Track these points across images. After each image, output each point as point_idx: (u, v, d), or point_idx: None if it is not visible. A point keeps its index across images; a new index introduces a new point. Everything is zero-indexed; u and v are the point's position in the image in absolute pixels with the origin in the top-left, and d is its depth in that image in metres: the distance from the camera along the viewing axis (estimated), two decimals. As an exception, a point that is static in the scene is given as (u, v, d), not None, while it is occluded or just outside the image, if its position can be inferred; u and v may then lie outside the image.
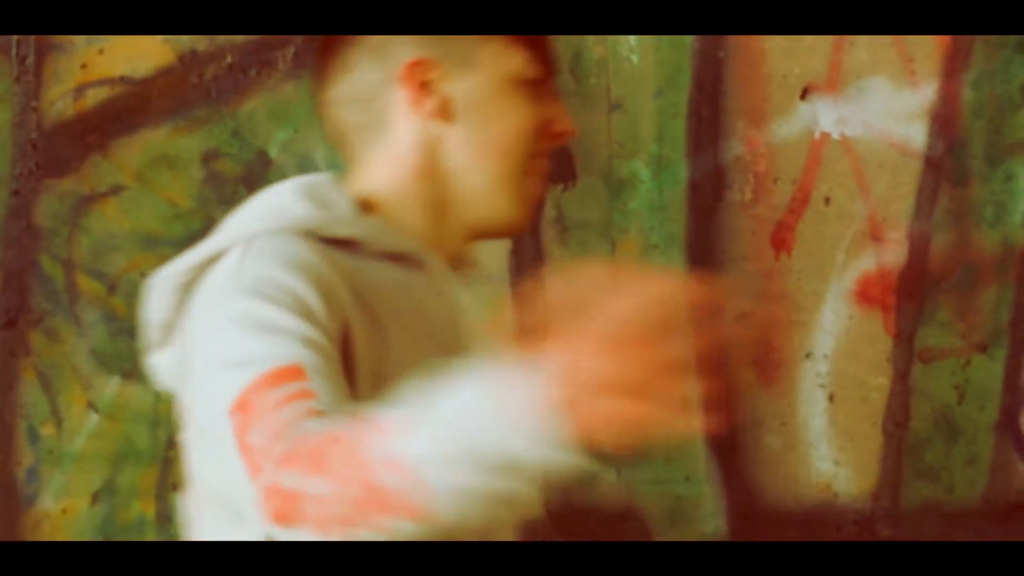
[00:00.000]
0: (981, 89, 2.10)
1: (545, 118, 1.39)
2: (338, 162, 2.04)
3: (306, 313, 1.22)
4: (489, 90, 1.37)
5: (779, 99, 2.09)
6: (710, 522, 2.14)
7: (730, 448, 2.14)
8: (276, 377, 1.17)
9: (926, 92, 2.10)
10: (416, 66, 1.36)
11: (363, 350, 1.28)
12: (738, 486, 2.15)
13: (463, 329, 1.39)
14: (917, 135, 2.11)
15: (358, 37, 1.39)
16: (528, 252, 2.08)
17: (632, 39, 2.07)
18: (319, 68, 1.44)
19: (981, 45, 2.09)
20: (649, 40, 2.06)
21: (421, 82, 1.36)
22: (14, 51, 1.95)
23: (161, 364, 1.38)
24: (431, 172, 1.38)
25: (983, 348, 2.15)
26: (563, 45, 2.07)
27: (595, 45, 2.07)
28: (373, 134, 1.40)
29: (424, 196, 1.38)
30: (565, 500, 2.12)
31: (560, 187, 2.08)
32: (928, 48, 2.09)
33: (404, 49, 1.37)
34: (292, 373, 1.17)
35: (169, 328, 1.36)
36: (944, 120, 2.10)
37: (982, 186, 2.12)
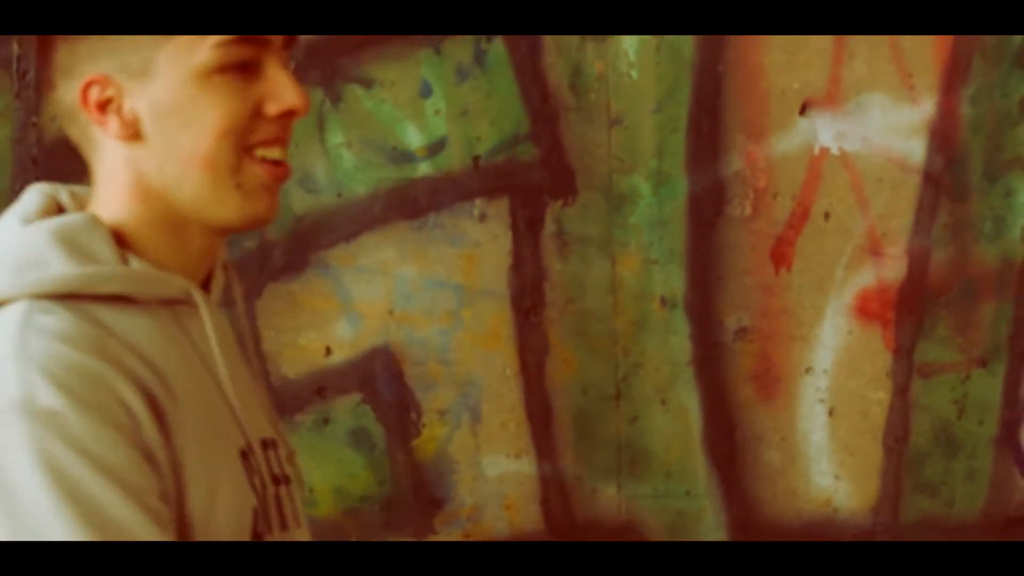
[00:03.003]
0: (980, 104, 2.11)
1: (257, 100, 1.23)
2: (339, 176, 2.04)
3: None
4: (175, 96, 1.21)
5: (778, 114, 2.10)
6: (710, 536, 2.14)
7: (730, 462, 2.14)
8: None
9: (925, 107, 2.11)
10: (91, 86, 1.22)
11: (174, 423, 1.19)
12: (738, 500, 2.14)
13: (233, 360, 1.31)
14: (916, 150, 2.11)
15: (55, 51, 1.25)
16: (528, 267, 2.08)
17: (631, 53, 2.07)
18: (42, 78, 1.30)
19: (979, 60, 2.10)
20: (648, 55, 2.07)
21: (99, 102, 1.22)
22: (14, 66, 1.95)
23: None
24: (146, 193, 1.25)
25: (982, 363, 2.15)
26: (563, 62, 2.07)
27: (595, 60, 2.08)
28: (90, 152, 1.27)
29: (153, 219, 1.25)
30: (566, 514, 2.12)
31: (560, 202, 2.08)
32: (926, 63, 2.10)
33: (84, 66, 1.22)
34: None
35: None
36: (943, 135, 2.11)
37: (981, 201, 2.12)
